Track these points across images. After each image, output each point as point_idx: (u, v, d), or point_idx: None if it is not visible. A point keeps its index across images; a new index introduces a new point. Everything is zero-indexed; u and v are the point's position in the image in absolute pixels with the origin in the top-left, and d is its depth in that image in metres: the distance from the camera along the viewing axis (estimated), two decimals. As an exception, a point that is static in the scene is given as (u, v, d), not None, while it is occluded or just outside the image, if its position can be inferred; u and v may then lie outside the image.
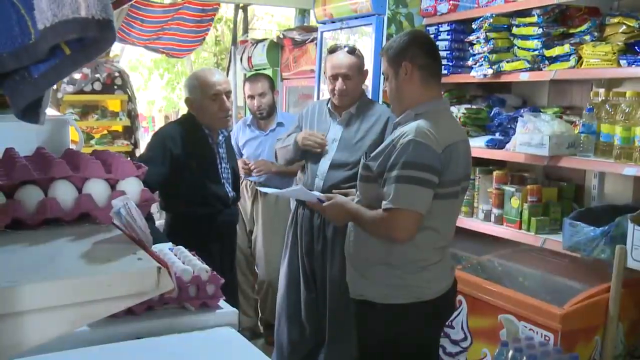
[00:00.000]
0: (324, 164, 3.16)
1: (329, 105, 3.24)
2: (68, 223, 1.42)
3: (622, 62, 2.72)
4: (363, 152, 2.77)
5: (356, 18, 3.97)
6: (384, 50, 2.42)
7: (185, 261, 2.08)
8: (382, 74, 2.52)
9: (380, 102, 3.83)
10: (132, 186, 1.46)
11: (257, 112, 4.19)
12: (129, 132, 6.09)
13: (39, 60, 0.76)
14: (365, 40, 3.94)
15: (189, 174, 2.98)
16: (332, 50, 3.19)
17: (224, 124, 3.08)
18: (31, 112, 0.79)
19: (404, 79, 2.31)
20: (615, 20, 2.80)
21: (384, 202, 2.21)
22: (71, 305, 1.06)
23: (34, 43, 0.73)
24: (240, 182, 4.15)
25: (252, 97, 4.19)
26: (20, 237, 1.32)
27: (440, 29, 3.66)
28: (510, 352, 2.61)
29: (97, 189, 1.44)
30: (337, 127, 3.19)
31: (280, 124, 4.22)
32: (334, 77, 3.10)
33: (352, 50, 3.14)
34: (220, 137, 3.13)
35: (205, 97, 2.99)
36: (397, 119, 2.38)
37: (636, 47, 2.71)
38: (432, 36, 3.68)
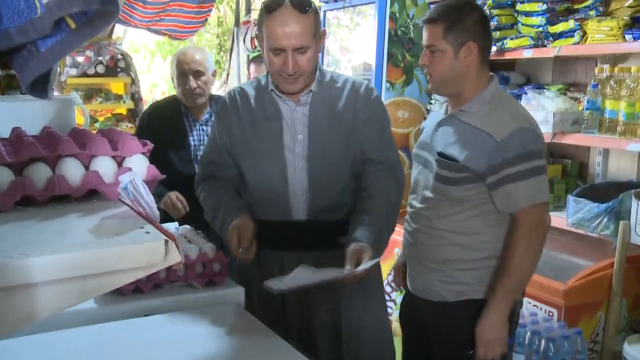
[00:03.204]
0: (299, 175, 2.09)
1: (272, 87, 2.11)
2: (76, 199, 1.45)
3: (628, 37, 2.71)
4: (345, 143, 2.07)
5: (359, -4, 3.97)
6: (439, 18, 2.04)
7: (190, 239, 2.11)
8: (427, 46, 2.08)
9: (384, 80, 3.81)
10: (138, 163, 1.49)
11: (261, 92, 4.21)
12: (133, 114, 6.10)
13: (45, 35, 0.78)
14: (368, 20, 3.94)
15: (158, 150, 3.01)
16: (273, 5, 1.95)
17: (189, 102, 3.11)
18: (39, 88, 0.81)
19: (463, 59, 2.03)
20: (621, -6, 2.80)
21: (511, 204, 1.98)
22: (82, 278, 1.10)
23: (39, 17, 0.75)
24: None
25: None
26: (30, 214, 1.35)
27: (444, 7, 3.65)
28: (515, 328, 2.64)
29: (104, 166, 1.46)
30: (298, 115, 2.10)
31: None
32: (279, 51, 1.97)
33: (305, 3, 1.97)
34: (206, 115, 3.15)
35: (176, 74, 3.11)
36: (462, 107, 2.07)
37: (642, 21, 2.71)
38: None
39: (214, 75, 3.19)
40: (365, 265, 1.84)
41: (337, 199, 2.11)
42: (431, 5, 3.69)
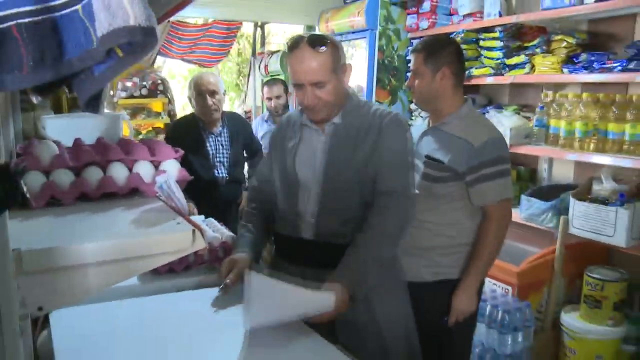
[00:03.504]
0: (311, 201, 1.77)
1: (304, 116, 1.85)
2: (122, 196, 1.46)
3: (565, 70, 2.75)
4: (359, 173, 1.73)
5: (353, 32, 3.97)
6: (421, 49, 2.07)
7: (214, 229, 2.11)
8: (412, 71, 2.10)
9: (374, 100, 3.81)
10: (171, 166, 1.50)
11: (273, 110, 4.22)
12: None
13: (99, 62, 0.80)
14: (360, 51, 3.95)
15: (183, 159, 2.98)
16: (292, 45, 1.73)
17: (207, 117, 3.08)
18: (93, 104, 0.83)
19: (440, 82, 2.04)
20: (558, 37, 2.84)
21: (484, 199, 1.98)
22: (126, 260, 1.11)
23: (95, 48, 0.77)
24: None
25: (269, 98, 4.22)
26: (86, 208, 1.37)
27: (421, 42, 3.67)
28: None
29: (144, 168, 1.47)
30: (320, 144, 1.80)
31: (292, 120, 4.25)
32: (299, 85, 1.74)
33: (320, 42, 1.71)
34: (219, 128, 3.13)
35: (194, 94, 3.07)
36: (443, 121, 2.06)
37: (575, 59, 2.74)
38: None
39: (224, 94, 3.18)
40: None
41: (343, 227, 1.74)
42: (412, 41, 3.73)
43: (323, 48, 1.69)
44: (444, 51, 2.05)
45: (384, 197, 1.71)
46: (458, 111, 2.06)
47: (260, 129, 4.34)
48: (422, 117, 3.43)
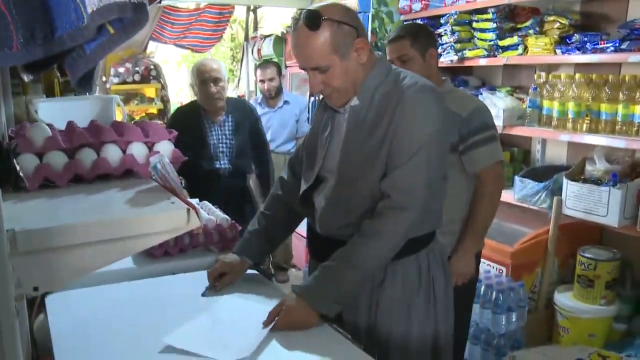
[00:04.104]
0: (322, 194, 1.57)
1: None
2: (116, 177, 1.46)
3: (558, 51, 2.75)
4: (371, 169, 1.46)
5: (346, 16, 3.94)
6: (404, 35, 2.11)
7: (209, 212, 2.12)
8: (398, 57, 2.11)
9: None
10: (165, 147, 1.50)
11: (267, 93, 4.21)
12: (162, 114, 6.10)
13: (90, 40, 0.80)
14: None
15: (182, 149, 2.87)
16: (292, 24, 1.48)
17: (211, 105, 2.98)
18: (86, 83, 0.83)
19: (429, 61, 2.12)
20: (552, 18, 2.83)
21: (477, 164, 2.04)
22: (120, 239, 1.11)
23: (86, 25, 0.77)
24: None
25: (262, 81, 4.20)
26: (80, 189, 1.37)
27: (415, 25, 3.65)
28: (472, 282, 2.67)
29: (138, 150, 1.47)
30: (340, 130, 1.55)
31: (286, 102, 4.24)
32: (304, 70, 1.51)
33: (314, 19, 1.41)
34: (223, 117, 3.02)
35: (197, 81, 2.98)
36: None
37: (568, 40, 2.74)
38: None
39: (227, 81, 3.12)
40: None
41: (342, 231, 1.51)
42: (405, 23, 3.70)
43: (318, 25, 1.41)
44: (426, 34, 2.16)
45: (384, 200, 1.43)
46: (442, 88, 2.13)
47: (254, 112, 4.32)
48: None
